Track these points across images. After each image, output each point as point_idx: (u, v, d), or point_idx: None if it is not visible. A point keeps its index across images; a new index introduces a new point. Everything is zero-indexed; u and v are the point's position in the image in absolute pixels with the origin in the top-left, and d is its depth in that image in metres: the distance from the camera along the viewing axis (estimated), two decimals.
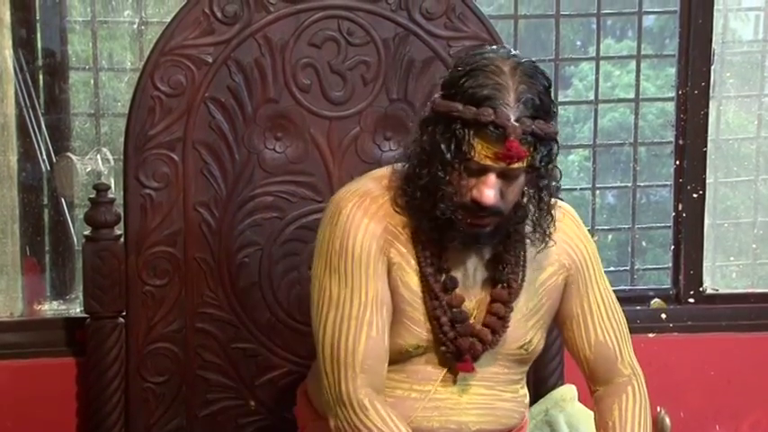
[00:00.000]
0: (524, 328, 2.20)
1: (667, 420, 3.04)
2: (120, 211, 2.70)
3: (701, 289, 3.23)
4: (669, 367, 3.14)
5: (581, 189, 3.38)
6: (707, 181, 3.20)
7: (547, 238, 2.13)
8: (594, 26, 3.30)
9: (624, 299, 3.15)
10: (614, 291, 3.15)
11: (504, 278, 2.15)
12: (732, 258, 3.41)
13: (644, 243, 3.38)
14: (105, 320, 2.69)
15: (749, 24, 3.47)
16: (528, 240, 2.15)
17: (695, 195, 3.20)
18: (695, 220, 3.20)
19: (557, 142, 2.05)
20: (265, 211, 2.70)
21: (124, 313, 2.70)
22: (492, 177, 2.00)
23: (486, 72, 1.98)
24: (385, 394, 2.13)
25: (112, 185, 2.84)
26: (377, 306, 2.10)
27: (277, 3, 2.65)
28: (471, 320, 2.15)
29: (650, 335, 3.17)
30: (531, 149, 1.99)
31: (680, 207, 3.21)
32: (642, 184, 3.35)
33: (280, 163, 2.68)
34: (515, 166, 1.99)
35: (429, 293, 2.12)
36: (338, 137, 2.70)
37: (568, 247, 2.23)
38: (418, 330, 2.14)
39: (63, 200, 3.06)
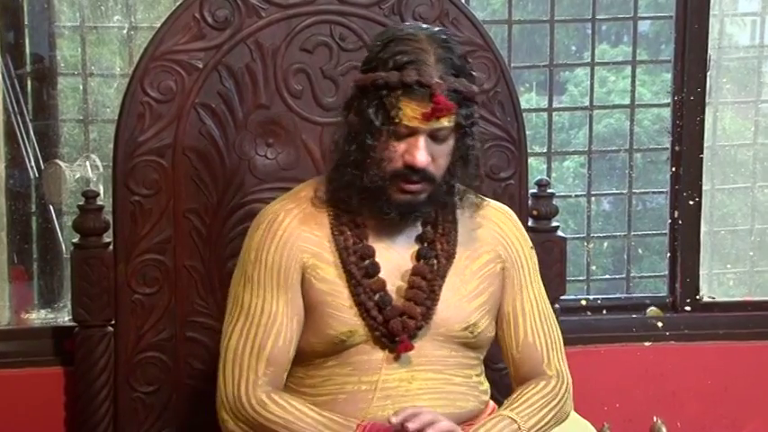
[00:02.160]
0: (467, 309, 2.24)
1: (664, 430, 3.04)
2: (109, 218, 2.69)
3: (697, 297, 3.22)
4: (665, 376, 3.14)
5: (576, 196, 3.40)
6: (703, 188, 3.20)
7: (475, 201, 2.25)
8: (589, 31, 3.31)
9: (620, 307, 3.23)
10: (610, 299, 3.26)
11: (428, 254, 2.21)
12: (729, 266, 3.43)
13: (640, 250, 3.39)
14: (94, 329, 2.68)
15: (745, 29, 3.49)
16: (459, 218, 2.24)
17: (691, 202, 3.19)
18: (692, 227, 3.20)
19: (477, 104, 2.17)
20: None
21: (113, 322, 2.69)
22: (422, 139, 2.09)
23: (403, 40, 2.10)
24: (336, 393, 2.20)
25: (101, 192, 2.82)
26: (287, 316, 2.19)
27: (268, 7, 2.65)
28: (399, 301, 2.19)
29: (646, 343, 3.17)
30: (456, 107, 2.08)
31: (676, 214, 3.20)
32: (638, 191, 3.36)
33: (271, 169, 2.67)
34: (444, 124, 2.08)
35: (350, 281, 2.18)
36: (330, 143, 2.65)
37: (503, 239, 2.30)
38: (345, 317, 2.18)
39: (51, 207, 3.06)
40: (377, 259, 2.20)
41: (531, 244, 2.36)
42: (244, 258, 2.24)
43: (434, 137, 2.10)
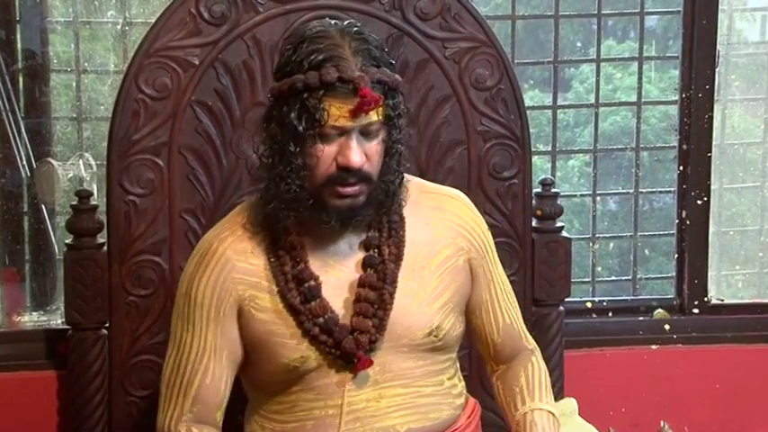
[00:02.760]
0: (428, 313, 2.16)
1: None
2: (103, 218, 2.67)
3: (705, 299, 3.21)
4: (673, 380, 3.13)
5: (581, 195, 3.42)
6: (712, 187, 3.19)
7: (400, 193, 2.14)
8: (595, 27, 3.29)
9: (626, 309, 3.24)
10: (616, 300, 3.25)
11: (374, 261, 2.13)
12: (738, 267, 3.42)
13: (647, 251, 3.38)
14: (88, 332, 2.67)
15: (755, 25, 3.51)
16: (407, 215, 2.17)
17: (699, 202, 3.17)
18: (700, 227, 3.18)
19: (403, 94, 2.10)
20: None
21: (107, 325, 2.67)
22: (353, 138, 2.01)
23: (315, 39, 2.02)
24: (304, 419, 2.17)
25: (95, 192, 2.82)
26: (215, 353, 2.15)
27: (266, 2, 2.63)
28: (347, 317, 2.11)
29: (653, 346, 3.15)
30: (383, 99, 2.02)
31: (684, 214, 3.18)
32: (645, 191, 3.35)
33: None
34: (373, 118, 2.01)
35: (291, 310, 2.11)
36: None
37: (463, 229, 2.23)
38: (294, 343, 2.12)
39: (44, 207, 3.06)
40: (321, 278, 2.11)
41: (486, 225, 2.29)
42: (178, 292, 2.19)
43: (365, 133, 2.02)
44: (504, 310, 2.29)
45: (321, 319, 2.10)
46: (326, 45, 1.99)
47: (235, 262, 2.13)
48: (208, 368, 2.14)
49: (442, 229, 2.20)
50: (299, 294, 2.10)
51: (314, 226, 2.09)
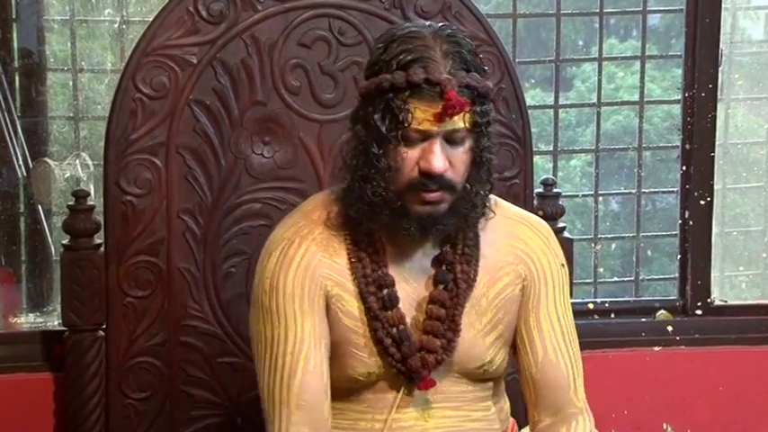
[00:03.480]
0: (482, 346, 2.11)
1: None
2: (100, 218, 2.67)
3: (708, 300, 3.21)
4: (675, 382, 3.13)
5: (583, 195, 3.45)
6: (715, 187, 3.19)
7: (486, 207, 2.07)
8: (597, 25, 3.29)
9: (629, 310, 3.24)
10: (619, 302, 3.25)
11: (446, 278, 2.07)
12: (741, 268, 3.44)
13: (649, 252, 3.43)
14: (84, 333, 2.66)
15: (759, 23, 3.54)
16: (481, 235, 2.10)
17: (703, 202, 3.17)
18: (703, 228, 3.18)
19: (492, 101, 2.03)
20: (253, 219, 2.66)
21: (104, 326, 2.67)
22: (437, 143, 1.95)
23: (406, 39, 1.97)
24: (349, 429, 2.12)
25: (92, 192, 2.81)
26: (314, 341, 2.06)
27: (265, 1, 2.62)
28: (417, 333, 2.07)
29: (656, 348, 3.15)
30: (471, 105, 1.95)
31: (687, 214, 3.18)
32: (647, 191, 3.35)
33: (268, 168, 2.65)
34: (459, 124, 1.94)
35: (369, 314, 2.06)
36: (329, 141, 2.67)
37: (527, 256, 2.14)
38: (365, 356, 2.08)
39: (40, 207, 3.06)
40: (396, 288, 2.07)
41: (562, 261, 2.19)
42: (258, 291, 2.10)
43: (450, 139, 1.95)
44: (551, 347, 2.13)
45: (395, 330, 2.05)
46: (416, 45, 1.94)
47: (321, 257, 2.07)
48: (309, 356, 2.04)
49: (508, 256, 2.13)
50: (378, 300, 2.06)
51: (394, 233, 2.04)
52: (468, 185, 2.01)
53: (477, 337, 2.10)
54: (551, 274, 2.15)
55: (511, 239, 2.13)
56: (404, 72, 1.93)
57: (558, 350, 2.13)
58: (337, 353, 2.09)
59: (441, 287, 2.07)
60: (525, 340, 2.14)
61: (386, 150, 1.96)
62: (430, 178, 1.95)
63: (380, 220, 2.02)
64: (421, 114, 1.93)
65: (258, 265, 2.13)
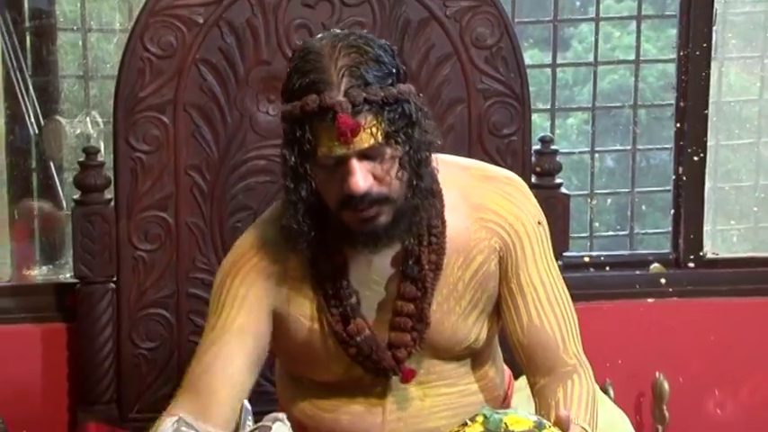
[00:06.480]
0: (465, 328, 2.05)
1: (666, 386, 3.08)
2: (110, 174, 2.69)
3: (701, 253, 3.22)
4: (668, 332, 3.15)
5: (580, 152, 3.38)
6: (708, 144, 3.20)
7: (430, 202, 1.94)
8: None
9: (623, 263, 3.23)
10: (614, 255, 3.24)
11: (412, 272, 1.98)
12: (733, 222, 3.41)
13: (643, 207, 3.37)
14: (96, 285, 2.70)
15: None
16: (448, 217, 1.99)
17: (696, 158, 3.18)
18: (696, 183, 3.20)
19: (407, 102, 1.86)
20: (258, 175, 2.69)
21: (115, 278, 2.70)
22: (353, 163, 1.82)
23: (306, 61, 1.84)
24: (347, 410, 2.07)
25: (102, 149, 2.84)
26: (238, 335, 1.97)
27: None
28: (384, 332, 2.00)
29: (650, 300, 3.17)
30: (377, 119, 1.82)
31: (680, 170, 3.20)
32: (642, 148, 3.34)
33: (273, 126, 2.64)
34: (368, 142, 1.82)
35: (331, 329, 2.00)
36: None
37: (499, 228, 2.02)
38: (340, 363, 2.03)
39: (52, 163, 3.06)
40: (361, 293, 1.99)
41: (539, 219, 2.07)
42: (211, 297, 2.05)
43: (368, 156, 1.83)
44: (536, 311, 2.03)
45: (359, 339, 1.98)
46: (314, 66, 1.82)
47: (283, 264, 2.00)
48: (223, 346, 1.96)
49: (479, 233, 2.02)
50: (339, 314, 1.99)
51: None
52: (408, 189, 1.89)
53: (459, 321, 2.03)
54: (527, 237, 2.04)
55: (479, 212, 2.02)
56: (299, 101, 1.82)
57: (542, 313, 2.03)
58: (311, 359, 2.04)
59: (408, 282, 1.98)
60: (510, 306, 2.04)
61: (302, 179, 1.86)
62: (358, 197, 1.84)
63: (323, 239, 1.94)
64: (327, 141, 1.81)
65: (217, 272, 2.08)
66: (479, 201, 2.03)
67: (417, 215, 1.92)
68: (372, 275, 2.00)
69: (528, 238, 2.04)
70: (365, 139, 1.81)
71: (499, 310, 2.07)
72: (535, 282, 2.04)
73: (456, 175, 2.04)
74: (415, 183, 1.89)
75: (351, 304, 1.98)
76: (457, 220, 2.00)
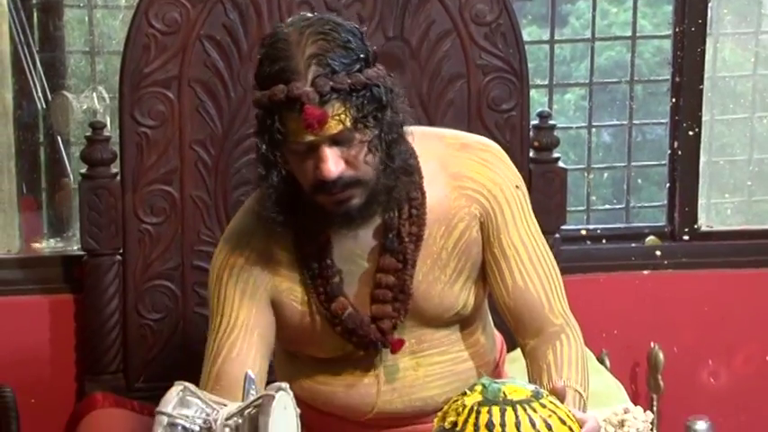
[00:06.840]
0: (452, 295, 2.07)
1: (661, 356, 3.10)
2: (116, 149, 2.71)
3: (695, 226, 3.23)
4: (663, 303, 3.16)
5: (577, 127, 3.37)
6: (703, 118, 3.19)
7: (404, 180, 1.96)
8: None
9: (619, 236, 3.23)
10: (610, 228, 3.24)
11: (392, 245, 2.00)
12: (727, 195, 3.41)
13: (639, 181, 3.37)
14: (102, 258, 2.72)
15: None
16: (427, 188, 2.01)
17: (691, 133, 3.18)
18: (691, 157, 3.20)
19: (376, 86, 1.87)
20: None
21: (121, 251, 2.73)
22: (324, 150, 1.85)
23: (275, 48, 1.86)
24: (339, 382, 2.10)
25: (108, 123, 2.84)
26: (245, 329, 2.03)
27: None
28: (366, 306, 2.04)
29: (645, 272, 3.19)
30: (345, 105, 1.83)
31: (675, 145, 3.20)
32: (638, 122, 3.33)
33: None
34: (337, 128, 1.84)
35: (316, 307, 2.05)
36: None
37: (478, 194, 2.05)
38: (329, 340, 2.06)
39: (59, 137, 3.06)
40: (345, 269, 2.02)
41: (516, 183, 2.09)
42: (209, 280, 2.10)
43: (337, 141, 1.85)
44: (519, 273, 2.05)
45: (344, 316, 2.02)
46: (282, 54, 1.83)
47: (270, 251, 2.03)
48: (235, 344, 2.01)
49: (459, 200, 2.04)
50: (323, 293, 2.03)
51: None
52: (381, 170, 1.91)
53: (446, 289, 2.06)
54: (506, 201, 2.06)
55: (457, 181, 2.04)
56: (267, 91, 1.85)
57: (525, 275, 2.06)
58: (304, 338, 2.08)
59: (387, 255, 2.01)
60: (495, 270, 2.06)
61: (273, 166, 1.89)
62: (330, 182, 1.87)
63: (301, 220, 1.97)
64: (297, 127, 1.84)
65: (214, 254, 2.12)
66: (457, 169, 2.05)
67: (392, 194, 1.95)
68: (356, 250, 2.03)
69: (507, 202, 2.06)
70: (333, 126, 1.84)
71: (485, 276, 2.10)
72: (517, 244, 2.06)
73: (433, 146, 2.06)
74: (387, 163, 1.91)
75: (333, 283, 2.02)
76: (436, 191, 2.02)
